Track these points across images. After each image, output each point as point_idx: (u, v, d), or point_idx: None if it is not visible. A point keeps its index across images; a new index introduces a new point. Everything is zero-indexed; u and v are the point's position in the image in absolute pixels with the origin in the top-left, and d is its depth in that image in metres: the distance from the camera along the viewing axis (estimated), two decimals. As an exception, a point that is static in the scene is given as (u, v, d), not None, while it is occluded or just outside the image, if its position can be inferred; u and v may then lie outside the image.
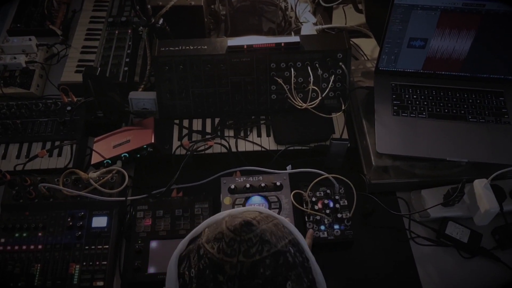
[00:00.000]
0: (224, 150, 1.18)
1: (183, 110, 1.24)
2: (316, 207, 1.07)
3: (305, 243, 0.68)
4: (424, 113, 1.17)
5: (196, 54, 1.17)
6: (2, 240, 1.05)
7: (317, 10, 1.47)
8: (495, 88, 1.21)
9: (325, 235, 1.04)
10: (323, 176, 1.07)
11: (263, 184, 1.10)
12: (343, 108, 1.21)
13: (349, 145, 1.13)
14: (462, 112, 1.17)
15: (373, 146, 1.12)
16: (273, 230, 0.62)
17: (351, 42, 1.27)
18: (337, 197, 1.09)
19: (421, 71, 1.22)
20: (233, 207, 1.07)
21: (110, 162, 1.15)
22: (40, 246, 1.04)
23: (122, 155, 1.14)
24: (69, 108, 1.25)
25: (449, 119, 1.16)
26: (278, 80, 1.19)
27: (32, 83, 1.34)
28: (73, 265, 1.02)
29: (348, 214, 1.06)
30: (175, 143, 1.20)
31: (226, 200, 1.09)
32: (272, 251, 0.59)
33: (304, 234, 1.03)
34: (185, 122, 1.25)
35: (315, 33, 1.40)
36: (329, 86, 1.19)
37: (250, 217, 0.63)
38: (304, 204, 1.08)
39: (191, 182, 1.15)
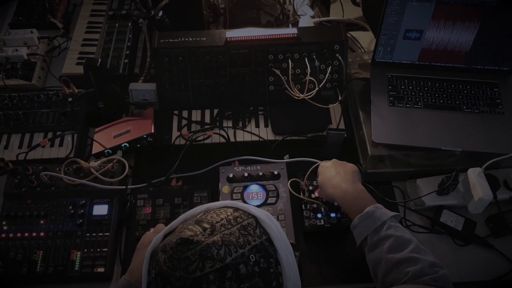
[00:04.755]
0: (222, 140, 1.20)
1: (183, 101, 1.26)
2: (313, 196, 1.09)
3: (285, 241, 0.66)
4: (419, 104, 1.18)
5: (195, 45, 1.18)
6: (5, 227, 1.07)
7: (315, 3, 1.48)
8: (489, 79, 1.22)
9: (322, 223, 1.06)
10: (318, 163, 1.09)
11: (261, 173, 1.11)
12: (339, 99, 1.22)
13: (345, 135, 1.15)
14: (457, 102, 1.19)
15: (369, 136, 1.14)
16: (230, 239, 0.61)
17: (348, 35, 1.29)
18: (333, 186, 1.10)
19: (417, 62, 1.24)
20: (231, 196, 1.09)
21: (110, 151, 1.16)
22: (42, 234, 1.06)
23: (123, 145, 1.16)
24: (70, 99, 1.27)
25: (444, 110, 1.17)
26: (276, 71, 1.21)
27: (34, 75, 1.36)
28: (75, 252, 1.04)
29: (345, 202, 1.07)
30: (175, 133, 1.22)
31: (225, 189, 1.10)
32: (217, 267, 0.58)
33: (300, 224, 1.07)
34: (185, 113, 1.26)
35: (313, 25, 1.41)
36: (326, 77, 1.21)
37: (197, 230, 0.61)
38: (301, 193, 1.10)
39: (190, 172, 1.17)
